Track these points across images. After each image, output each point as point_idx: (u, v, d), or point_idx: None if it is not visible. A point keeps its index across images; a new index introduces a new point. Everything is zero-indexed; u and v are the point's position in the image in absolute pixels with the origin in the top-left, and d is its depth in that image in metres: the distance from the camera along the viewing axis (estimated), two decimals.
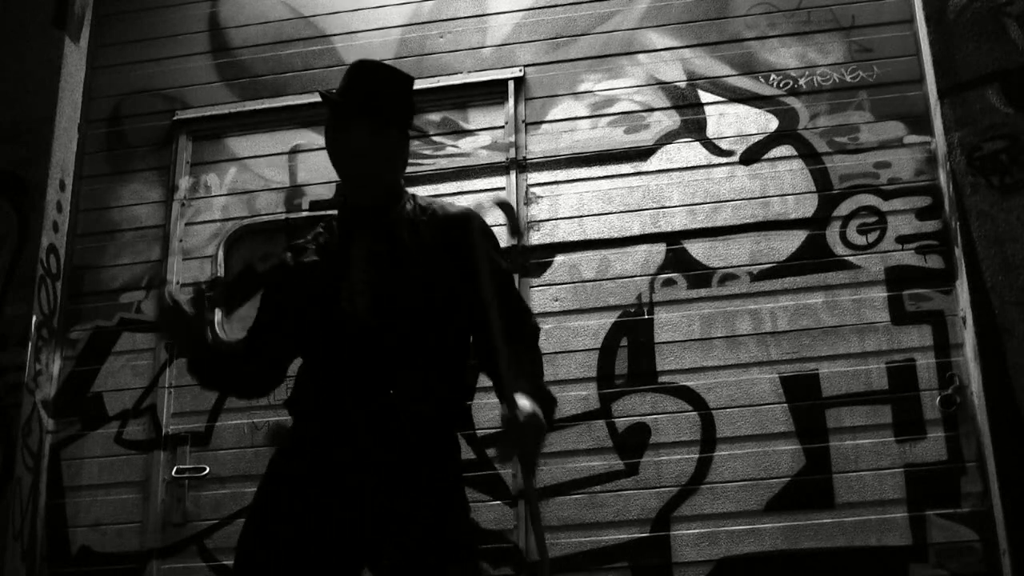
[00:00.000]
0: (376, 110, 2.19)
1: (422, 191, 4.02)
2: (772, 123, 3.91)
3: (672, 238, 3.83)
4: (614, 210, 3.88)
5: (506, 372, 2.05)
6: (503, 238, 2.40)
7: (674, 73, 4.03)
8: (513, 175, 3.98)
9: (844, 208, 3.77)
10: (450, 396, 2.19)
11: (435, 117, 4.13)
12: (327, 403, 2.14)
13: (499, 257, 2.25)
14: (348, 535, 2.05)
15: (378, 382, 2.10)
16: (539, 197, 3.95)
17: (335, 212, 2.38)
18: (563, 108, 4.06)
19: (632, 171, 3.93)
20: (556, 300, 3.77)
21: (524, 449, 1.97)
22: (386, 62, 2.25)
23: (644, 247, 3.82)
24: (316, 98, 4.19)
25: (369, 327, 2.12)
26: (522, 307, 2.29)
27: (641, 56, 4.08)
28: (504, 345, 2.06)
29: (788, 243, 3.77)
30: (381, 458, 2.07)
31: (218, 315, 4.05)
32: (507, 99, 4.08)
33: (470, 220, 2.21)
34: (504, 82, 4.10)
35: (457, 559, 2.06)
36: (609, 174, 3.94)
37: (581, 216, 3.91)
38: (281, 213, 4.15)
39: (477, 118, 4.12)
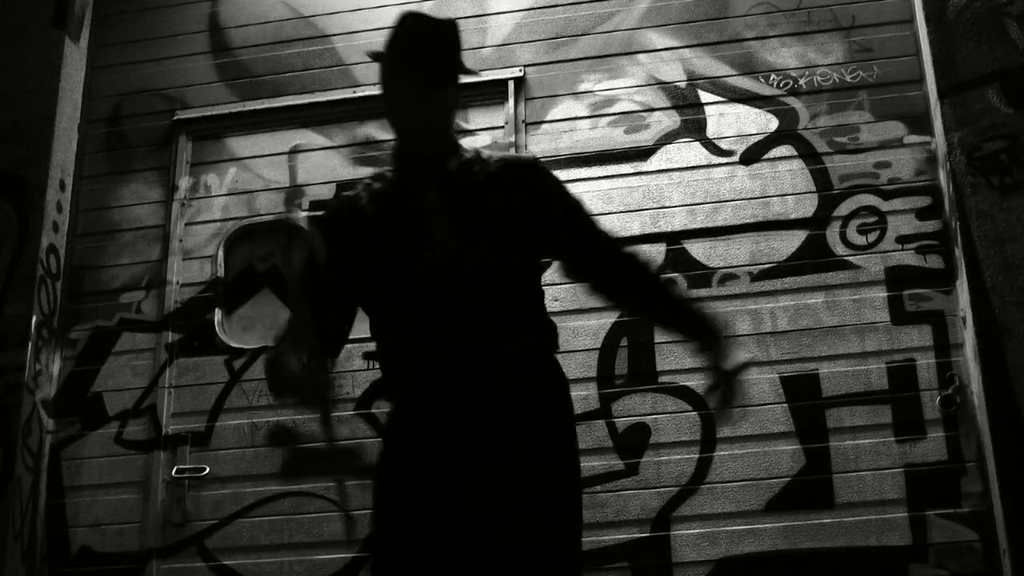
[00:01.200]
0: (426, 61, 2.16)
1: None
2: (772, 123, 3.91)
3: (672, 238, 3.83)
4: (614, 210, 3.88)
5: (672, 307, 2.21)
6: None
7: (674, 73, 4.03)
8: None
9: (844, 208, 3.77)
10: (544, 332, 2.19)
11: None
12: (428, 365, 2.08)
13: (576, 205, 2.27)
14: (461, 508, 2.02)
15: (477, 328, 2.07)
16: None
17: (386, 168, 2.34)
18: (563, 108, 4.06)
19: (632, 171, 3.93)
20: (556, 300, 3.77)
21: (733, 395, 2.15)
22: (438, 18, 2.24)
23: (644, 247, 3.82)
24: (316, 98, 4.24)
25: (463, 273, 2.08)
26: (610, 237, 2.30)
27: (641, 56, 4.08)
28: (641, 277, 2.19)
29: (788, 243, 3.77)
30: (495, 418, 2.04)
31: (218, 315, 4.05)
32: (507, 99, 4.08)
33: (536, 164, 2.25)
34: (504, 82, 4.10)
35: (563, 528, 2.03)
36: (609, 174, 3.94)
37: None
38: (281, 213, 4.15)
39: (477, 118, 4.12)
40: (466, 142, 2.36)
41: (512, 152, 2.33)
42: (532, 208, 2.17)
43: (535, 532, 1.98)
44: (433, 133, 2.22)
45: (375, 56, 2.22)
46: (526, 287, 2.17)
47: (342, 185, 4.12)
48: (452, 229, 2.11)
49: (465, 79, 2.26)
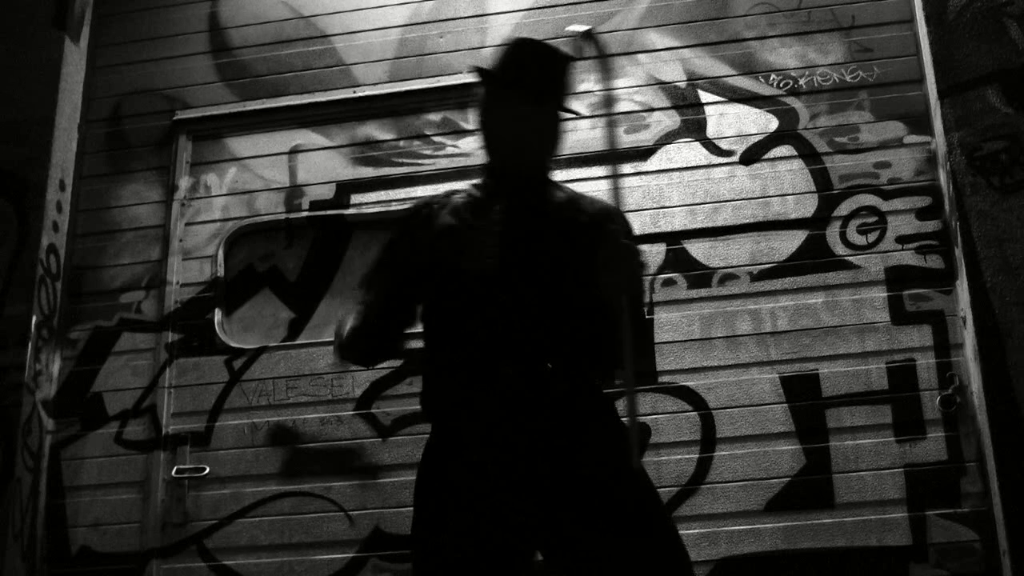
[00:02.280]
0: (536, 87, 2.18)
1: (422, 191, 4.05)
2: (772, 123, 3.91)
3: (672, 238, 3.84)
4: None
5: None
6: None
7: (674, 73, 4.03)
8: None
9: (844, 208, 3.77)
10: (593, 361, 2.14)
11: (435, 117, 4.13)
12: (470, 376, 2.07)
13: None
14: (523, 519, 2.01)
15: (518, 347, 2.05)
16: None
17: (473, 183, 2.33)
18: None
19: (632, 171, 3.93)
20: None
21: (629, 274, 2.01)
22: (553, 47, 2.26)
23: (644, 247, 3.82)
24: (316, 98, 4.24)
25: (501, 285, 2.08)
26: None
27: (641, 56, 4.08)
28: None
29: (788, 243, 3.77)
30: (543, 435, 2.03)
31: (218, 315, 4.05)
32: None
33: (618, 215, 2.22)
34: None
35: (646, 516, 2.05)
36: (609, 174, 3.94)
37: None
38: (281, 213, 4.15)
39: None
40: (569, 184, 2.37)
41: (599, 199, 2.32)
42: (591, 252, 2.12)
43: (624, 500, 2.02)
44: (527, 160, 2.23)
45: (482, 74, 2.23)
46: (578, 323, 2.11)
47: (341, 184, 4.13)
48: (499, 246, 2.11)
49: (567, 117, 2.25)
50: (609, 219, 2.18)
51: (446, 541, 2.00)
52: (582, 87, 4.02)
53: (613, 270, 2.01)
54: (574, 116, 2.32)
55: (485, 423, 2.05)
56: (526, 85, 2.17)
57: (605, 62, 2.34)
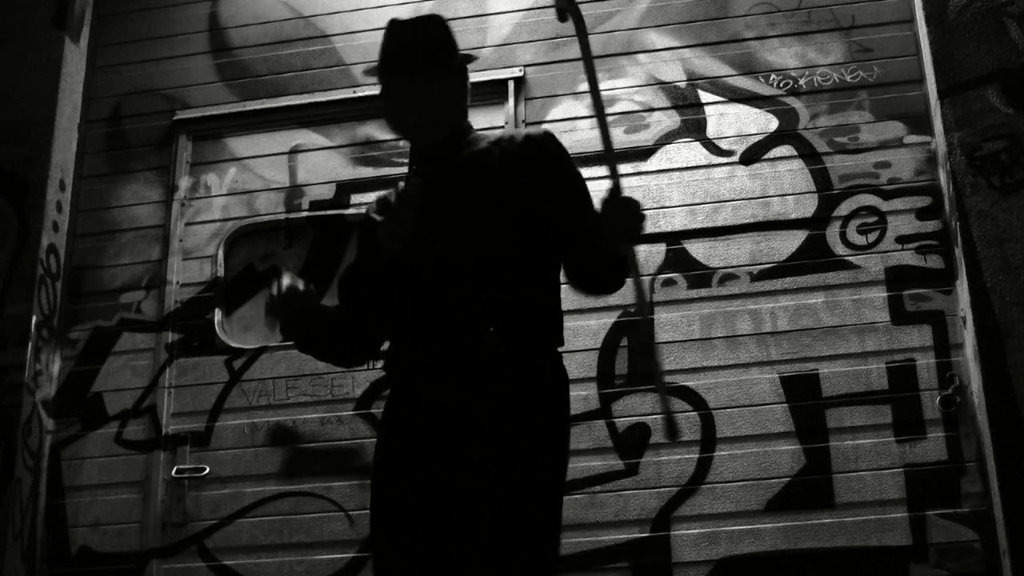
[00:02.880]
0: (404, 60, 2.24)
1: None
2: (772, 123, 3.91)
3: (672, 238, 3.84)
4: None
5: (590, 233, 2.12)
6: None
7: (674, 73, 4.03)
8: None
9: (844, 208, 3.77)
10: (527, 333, 2.12)
11: None
12: (404, 353, 2.15)
13: (573, 182, 2.23)
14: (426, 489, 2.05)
15: (448, 325, 2.08)
16: None
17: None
18: (563, 108, 4.06)
19: (632, 171, 3.93)
20: None
21: (629, 224, 2.07)
22: (420, 16, 2.36)
23: (644, 247, 3.82)
24: (316, 98, 4.24)
25: (417, 265, 2.12)
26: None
27: (641, 56, 4.08)
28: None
29: (788, 243, 3.77)
30: (456, 413, 2.06)
31: (218, 315, 4.05)
32: (507, 99, 4.08)
33: (542, 141, 2.22)
34: (504, 82, 4.10)
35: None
36: (609, 174, 3.94)
37: None
38: (281, 213, 4.15)
39: (477, 118, 4.04)
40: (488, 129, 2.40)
41: (523, 129, 2.33)
42: (531, 191, 2.15)
43: (489, 521, 1.98)
44: (430, 126, 2.26)
45: (371, 72, 2.31)
46: (511, 277, 2.11)
47: (341, 184, 4.13)
48: (417, 219, 2.16)
49: (461, 69, 2.29)
50: (528, 149, 2.19)
51: (379, 485, 2.13)
52: (581, 87, 4.03)
53: (614, 224, 2.07)
54: (467, 60, 2.32)
55: (416, 394, 2.12)
56: (387, 65, 2.26)
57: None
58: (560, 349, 2.18)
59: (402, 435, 2.11)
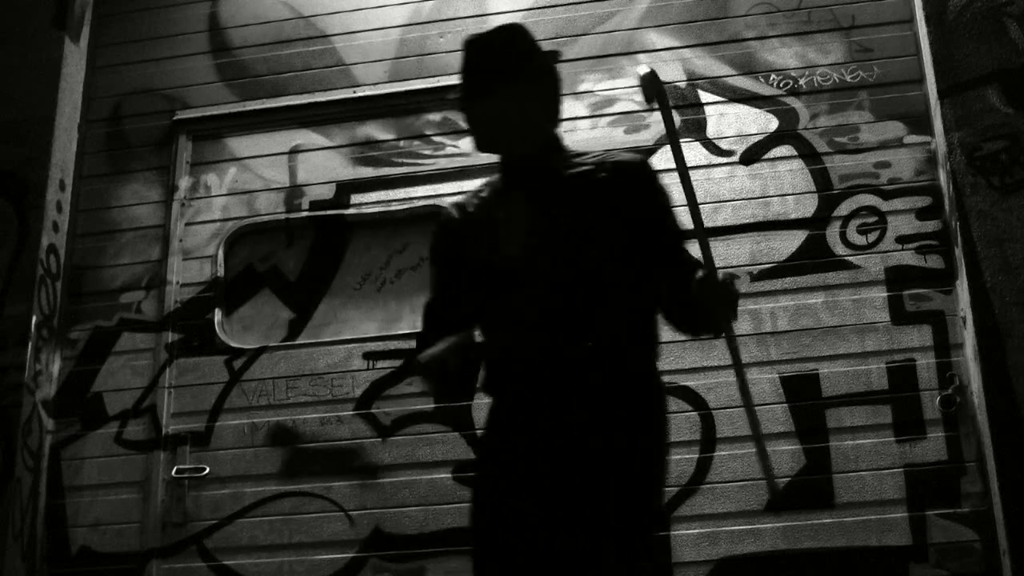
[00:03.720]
0: (489, 76, 2.19)
1: (422, 191, 4.05)
2: (772, 123, 3.91)
3: None
4: None
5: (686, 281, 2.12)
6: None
7: (674, 73, 4.03)
8: None
9: (844, 208, 3.77)
10: (634, 339, 2.15)
11: (435, 117, 4.13)
12: (513, 367, 2.13)
13: (665, 213, 2.24)
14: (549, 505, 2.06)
15: (555, 332, 2.08)
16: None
17: (495, 176, 2.35)
18: (563, 108, 4.05)
19: None
20: None
21: (725, 309, 2.08)
22: (496, 27, 2.27)
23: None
24: (316, 98, 4.24)
25: (531, 271, 2.11)
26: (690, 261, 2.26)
27: (641, 56, 4.07)
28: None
29: (788, 243, 3.77)
30: (573, 422, 2.06)
31: (218, 315, 4.05)
32: None
33: (642, 168, 2.24)
34: None
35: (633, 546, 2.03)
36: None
37: None
38: (281, 213, 4.15)
39: None
40: (580, 143, 2.36)
41: (621, 154, 2.32)
42: (625, 210, 2.16)
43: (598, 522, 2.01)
44: (522, 141, 2.23)
45: (459, 96, 2.26)
46: (613, 293, 2.13)
47: (341, 184, 4.12)
48: (526, 232, 2.14)
49: (551, 70, 2.26)
50: (624, 171, 2.20)
51: (483, 502, 2.13)
52: (581, 86, 4.03)
53: (709, 306, 2.07)
54: (555, 60, 2.30)
55: (525, 409, 2.11)
56: (481, 83, 2.20)
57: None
58: (647, 317, 2.22)
59: (513, 454, 2.10)
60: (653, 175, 2.26)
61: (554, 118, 2.30)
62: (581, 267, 2.11)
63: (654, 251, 2.20)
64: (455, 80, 4.08)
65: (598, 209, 2.15)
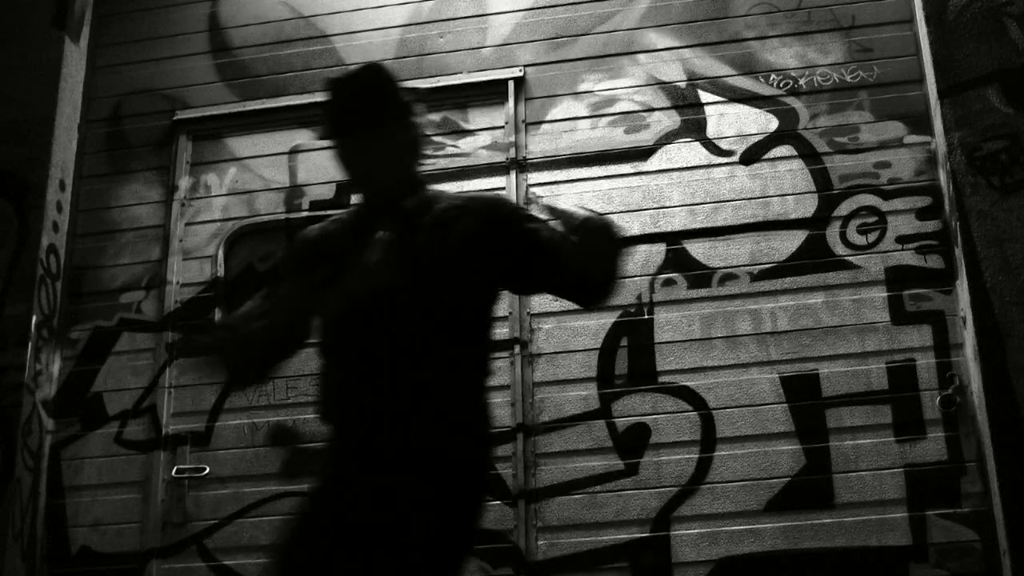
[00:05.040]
0: (351, 120, 2.20)
1: None
2: (772, 123, 3.91)
3: (672, 238, 3.84)
4: (614, 210, 3.88)
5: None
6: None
7: (674, 73, 4.03)
8: (513, 175, 3.98)
9: (844, 208, 3.77)
10: (466, 386, 2.16)
11: (435, 117, 4.13)
12: (343, 401, 2.14)
13: (535, 225, 2.24)
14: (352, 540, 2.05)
15: (391, 376, 2.09)
16: (539, 197, 3.95)
17: (354, 205, 2.37)
18: (563, 108, 4.06)
19: (632, 171, 3.93)
20: (556, 300, 3.77)
21: (606, 244, 2.13)
22: (361, 65, 2.24)
23: (644, 247, 3.82)
24: (316, 98, 4.23)
25: (378, 311, 2.12)
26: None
27: (641, 56, 4.08)
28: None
29: (788, 243, 3.77)
30: (390, 467, 2.07)
31: (218, 315, 4.05)
32: (507, 99, 4.08)
33: (496, 204, 2.25)
34: (504, 82, 4.10)
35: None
36: (609, 174, 3.94)
37: None
38: (281, 213, 4.15)
39: (477, 118, 4.12)
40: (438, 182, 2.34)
41: (477, 195, 2.33)
42: (483, 246, 2.17)
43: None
44: (383, 180, 2.24)
45: (321, 132, 2.28)
46: (464, 324, 2.16)
47: (341, 184, 4.12)
48: (388, 267, 2.15)
49: (412, 110, 2.25)
50: (474, 213, 2.20)
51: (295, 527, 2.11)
52: (582, 86, 4.03)
53: (592, 248, 2.13)
54: (417, 111, 2.31)
55: (350, 454, 2.12)
56: (341, 124, 2.20)
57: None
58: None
59: (336, 488, 2.11)
60: (505, 206, 2.26)
61: (416, 161, 2.30)
62: (427, 307, 2.12)
63: (532, 271, 2.21)
64: (459, 79, 4.13)
65: (451, 249, 2.16)
